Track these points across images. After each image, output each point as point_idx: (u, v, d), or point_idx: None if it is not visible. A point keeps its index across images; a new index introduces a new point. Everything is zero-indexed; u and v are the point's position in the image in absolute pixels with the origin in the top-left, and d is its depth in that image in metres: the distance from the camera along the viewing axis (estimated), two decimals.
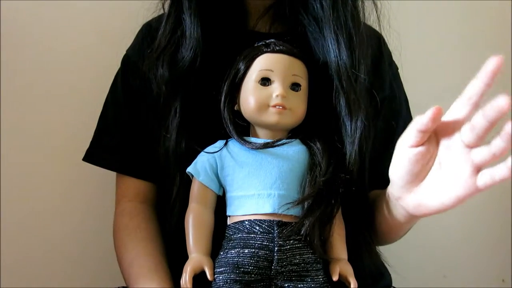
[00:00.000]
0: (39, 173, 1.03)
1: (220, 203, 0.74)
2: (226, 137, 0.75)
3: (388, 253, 0.87)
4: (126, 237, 0.82)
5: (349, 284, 0.70)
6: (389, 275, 0.87)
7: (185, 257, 0.71)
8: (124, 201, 0.86)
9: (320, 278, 0.69)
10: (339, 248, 0.72)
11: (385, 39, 0.89)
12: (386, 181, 0.80)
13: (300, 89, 0.74)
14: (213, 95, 0.76)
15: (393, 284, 0.87)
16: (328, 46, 0.77)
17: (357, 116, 0.76)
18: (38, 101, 1.02)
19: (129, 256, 0.79)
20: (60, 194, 1.04)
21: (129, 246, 0.81)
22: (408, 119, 0.89)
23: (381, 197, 0.79)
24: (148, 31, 0.86)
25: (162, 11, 0.86)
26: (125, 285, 0.81)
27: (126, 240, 0.82)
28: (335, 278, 0.69)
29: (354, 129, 0.75)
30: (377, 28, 0.86)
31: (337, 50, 0.76)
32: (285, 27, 0.83)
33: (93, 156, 0.87)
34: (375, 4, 0.83)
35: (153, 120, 0.80)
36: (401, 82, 0.91)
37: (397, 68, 0.91)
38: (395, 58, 0.91)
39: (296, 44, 0.76)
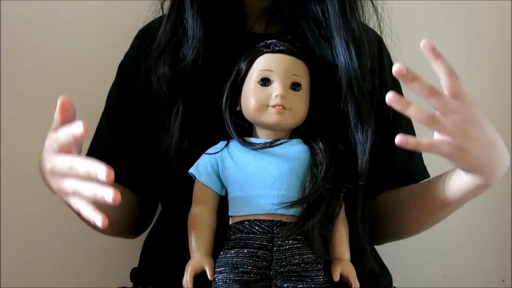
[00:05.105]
0: (39, 174, 1.03)
1: (224, 204, 0.74)
2: (228, 138, 0.75)
3: (388, 253, 0.87)
4: None
5: (351, 285, 0.70)
6: (389, 275, 0.87)
7: (187, 257, 0.71)
8: None
9: (320, 279, 0.69)
10: (342, 248, 0.72)
11: (384, 39, 0.89)
12: (393, 180, 0.81)
13: (300, 89, 0.74)
14: (214, 96, 0.75)
15: (393, 284, 0.87)
16: (338, 53, 0.77)
17: (368, 126, 0.76)
18: (38, 102, 1.02)
19: None
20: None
21: None
22: (410, 120, 0.89)
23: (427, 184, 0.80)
24: (144, 37, 0.86)
25: (161, 13, 0.86)
26: (125, 285, 0.82)
27: None
28: (336, 278, 0.69)
29: (364, 139, 0.75)
30: (377, 30, 0.86)
31: (348, 59, 0.76)
32: (282, 28, 0.83)
33: None
34: (375, 8, 0.83)
35: (152, 124, 0.80)
36: (401, 83, 0.90)
37: None
38: (395, 59, 0.90)
39: (298, 44, 0.75)
